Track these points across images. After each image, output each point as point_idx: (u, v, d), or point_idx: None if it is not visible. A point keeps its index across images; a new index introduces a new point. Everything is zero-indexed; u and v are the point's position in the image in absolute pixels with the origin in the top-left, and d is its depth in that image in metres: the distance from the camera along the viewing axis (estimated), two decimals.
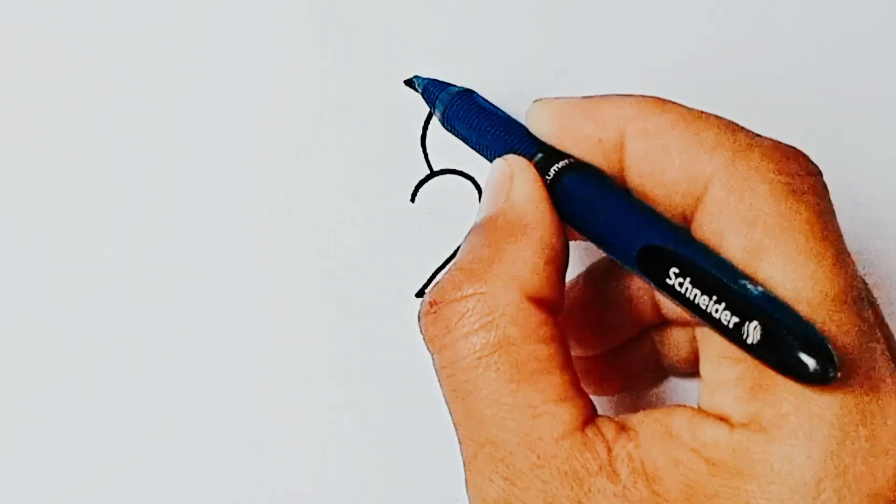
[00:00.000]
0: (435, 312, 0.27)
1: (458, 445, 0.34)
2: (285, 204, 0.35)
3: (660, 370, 0.34)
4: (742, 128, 0.26)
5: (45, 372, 0.34)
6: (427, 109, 0.35)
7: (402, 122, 0.35)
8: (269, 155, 0.35)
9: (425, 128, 0.35)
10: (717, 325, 0.24)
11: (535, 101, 0.29)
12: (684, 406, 0.26)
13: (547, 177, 0.28)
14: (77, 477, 0.34)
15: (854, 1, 0.36)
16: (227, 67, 0.35)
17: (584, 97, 0.29)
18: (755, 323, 0.23)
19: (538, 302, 0.27)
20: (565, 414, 0.26)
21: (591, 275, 0.33)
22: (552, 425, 0.25)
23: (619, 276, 0.32)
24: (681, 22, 0.36)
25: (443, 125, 0.33)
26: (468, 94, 0.33)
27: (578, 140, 0.28)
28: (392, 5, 0.35)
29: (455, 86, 0.33)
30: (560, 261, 0.27)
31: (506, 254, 0.27)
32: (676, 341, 0.32)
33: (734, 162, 0.25)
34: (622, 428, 0.26)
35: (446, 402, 0.27)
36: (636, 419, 0.26)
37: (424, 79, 0.34)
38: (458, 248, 0.35)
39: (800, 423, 0.23)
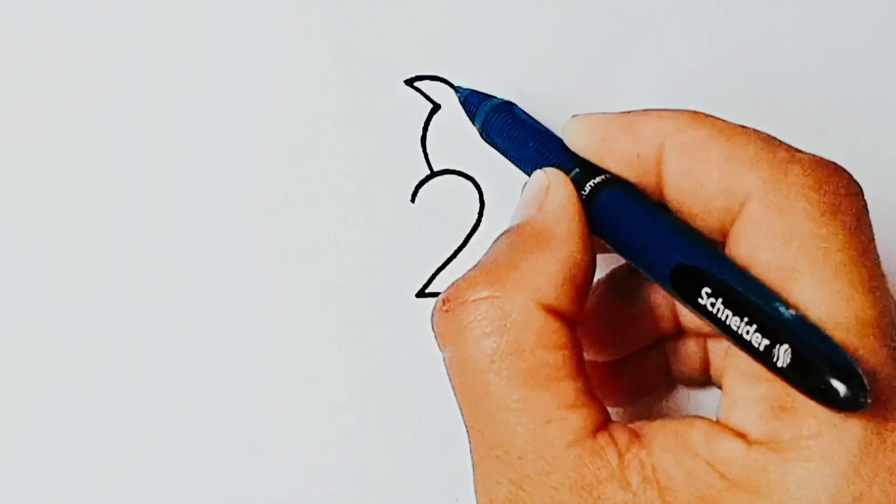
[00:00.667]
0: (447, 311, 0.27)
1: (457, 445, 0.34)
2: (285, 204, 0.35)
3: (668, 381, 0.34)
4: (782, 143, 0.26)
5: (44, 372, 0.34)
6: (428, 109, 0.35)
7: (402, 122, 0.35)
8: (270, 155, 0.35)
9: (425, 128, 0.35)
10: (747, 346, 0.24)
11: (573, 116, 0.29)
12: (702, 418, 0.26)
13: (583, 192, 0.28)
14: (76, 476, 0.34)
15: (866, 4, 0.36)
16: (227, 67, 0.35)
17: (621, 112, 0.29)
18: (786, 346, 0.23)
19: (553, 312, 0.26)
20: (576, 420, 0.25)
21: (611, 281, 0.32)
22: (562, 432, 0.25)
23: (639, 285, 0.32)
24: (691, 27, 0.36)
25: (481, 136, 0.33)
26: (508, 106, 0.33)
27: (616, 155, 0.28)
28: (392, 5, 0.35)
29: (496, 97, 0.33)
30: (582, 276, 0.27)
31: (527, 262, 0.27)
32: (690, 352, 0.32)
33: (773, 178, 0.25)
34: (636, 435, 0.26)
35: (456, 400, 0.27)
36: (651, 428, 0.26)
37: (465, 89, 0.34)
38: (459, 248, 0.35)
39: (819, 446, 0.23)
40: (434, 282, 0.35)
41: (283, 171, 0.35)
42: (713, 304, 0.24)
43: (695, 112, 0.27)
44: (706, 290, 0.25)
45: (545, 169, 0.29)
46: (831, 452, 0.23)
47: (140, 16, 0.35)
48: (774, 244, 0.25)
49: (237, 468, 0.34)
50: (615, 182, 0.28)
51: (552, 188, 0.28)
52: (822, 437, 0.23)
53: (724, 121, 0.27)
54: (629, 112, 0.28)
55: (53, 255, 0.35)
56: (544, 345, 0.26)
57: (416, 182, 0.35)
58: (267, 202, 0.35)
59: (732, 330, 0.24)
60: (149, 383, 0.34)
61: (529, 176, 0.30)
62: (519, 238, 0.28)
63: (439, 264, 0.35)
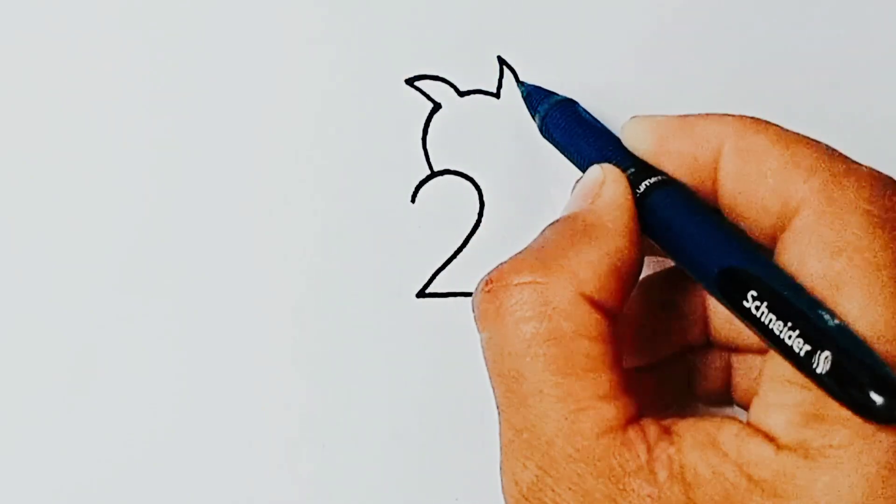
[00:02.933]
0: (489, 291, 0.27)
1: (458, 445, 0.35)
2: (285, 204, 0.35)
3: (687, 396, 0.34)
4: (839, 153, 0.26)
5: (42, 372, 0.34)
6: (428, 109, 0.35)
7: (402, 122, 0.35)
8: (270, 155, 0.35)
9: (426, 128, 0.35)
10: (787, 351, 0.24)
11: (632, 117, 0.30)
12: (733, 419, 0.26)
13: (637, 190, 0.29)
14: (76, 476, 0.34)
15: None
16: (227, 67, 0.35)
17: (680, 115, 0.29)
18: (827, 353, 0.23)
19: (595, 304, 0.27)
20: (608, 411, 0.26)
21: (645, 286, 0.32)
22: (594, 421, 0.25)
23: (672, 293, 0.32)
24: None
25: (540, 132, 0.33)
26: (569, 104, 0.33)
27: (673, 157, 0.28)
28: (393, 4, 0.35)
29: (557, 94, 0.34)
30: (628, 272, 0.27)
31: (574, 252, 0.27)
32: (714, 368, 0.32)
33: (827, 187, 0.25)
34: (666, 431, 0.26)
35: (490, 381, 0.28)
36: (682, 425, 0.26)
37: (529, 85, 0.34)
38: (459, 248, 0.35)
39: (849, 456, 0.24)
40: (434, 282, 0.35)
41: (283, 170, 0.35)
42: (758, 308, 0.25)
43: (754, 118, 0.27)
44: (752, 293, 0.25)
45: (602, 165, 0.29)
46: (860, 463, 0.23)
47: (141, 16, 0.35)
48: (824, 254, 0.25)
49: (237, 468, 0.34)
50: (670, 183, 0.28)
51: (607, 183, 0.29)
52: (853, 447, 0.23)
53: (782, 128, 0.27)
54: (688, 115, 0.29)
55: (54, 256, 0.34)
56: (583, 334, 0.26)
57: (417, 182, 0.35)
58: (267, 202, 0.35)
59: (774, 334, 0.24)
60: (149, 383, 0.34)
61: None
62: (568, 228, 0.28)
63: (439, 264, 0.35)
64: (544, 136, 0.33)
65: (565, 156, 0.32)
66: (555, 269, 0.27)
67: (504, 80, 0.35)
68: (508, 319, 0.26)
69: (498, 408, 0.27)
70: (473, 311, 0.28)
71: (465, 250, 0.35)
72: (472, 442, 0.34)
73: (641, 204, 0.28)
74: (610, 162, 0.30)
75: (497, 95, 0.35)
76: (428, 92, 0.35)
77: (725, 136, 0.27)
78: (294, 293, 0.35)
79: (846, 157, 0.26)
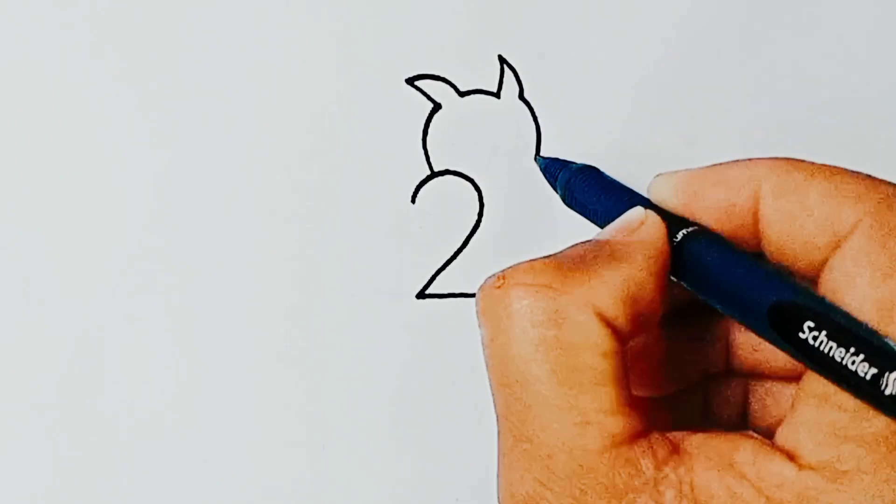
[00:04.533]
0: (500, 287, 0.26)
1: (458, 445, 0.35)
2: (286, 204, 0.35)
3: (701, 421, 0.33)
4: (882, 179, 0.26)
5: (41, 371, 0.34)
6: (429, 109, 0.35)
7: (402, 121, 0.35)
8: (270, 154, 0.35)
9: (426, 128, 0.35)
10: (850, 378, 0.24)
11: (658, 175, 0.30)
12: (749, 436, 0.26)
13: (674, 239, 0.28)
14: (75, 476, 0.34)
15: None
16: (227, 67, 0.35)
17: (707, 166, 0.29)
18: (895, 375, 0.23)
19: (607, 322, 0.26)
20: (614, 426, 0.25)
21: (665, 322, 0.32)
22: (598, 436, 0.25)
23: (691, 324, 0.31)
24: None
25: (564, 201, 0.33)
26: (590, 169, 0.33)
27: (709, 207, 0.28)
28: (393, 3, 0.35)
29: (576, 163, 0.34)
30: (645, 306, 0.27)
31: (596, 269, 0.26)
32: (732, 395, 0.32)
33: (878, 211, 0.25)
34: (675, 449, 0.25)
35: (491, 384, 0.27)
36: (693, 443, 0.25)
37: (546, 158, 0.35)
38: (459, 249, 0.35)
39: (877, 479, 0.23)
40: (434, 283, 0.35)
41: (283, 170, 0.35)
42: (815, 338, 0.25)
43: (785, 158, 0.27)
44: (808, 324, 0.25)
45: (645, 209, 0.29)
46: (890, 487, 0.23)
47: (141, 15, 0.35)
48: (874, 278, 0.24)
49: (236, 468, 0.34)
50: (707, 233, 0.28)
51: (647, 223, 0.28)
52: (880, 471, 0.23)
53: (816, 163, 0.27)
54: (716, 165, 0.28)
55: (53, 256, 0.34)
56: (592, 348, 0.25)
57: (417, 182, 0.35)
58: (267, 202, 0.35)
59: (836, 362, 0.24)
60: (148, 383, 0.34)
61: None
62: (595, 249, 0.28)
63: (439, 265, 0.35)
64: (568, 204, 0.33)
65: (592, 221, 0.32)
66: (574, 280, 0.26)
67: (505, 80, 0.35)
68: (518, 320, 0.26)
69: (497, 413, 0.27)
70: (478, 306, 0.27)
71: (465, 251, 0.35)
72: (472, 442, 0.34)
73: (678, 251, 0.28)
74: None
75: (498, 95, 0.35)
76: (428, 92, 0.35)
77: (761, 178, 0.27)
78: (294, 293, 0.35)
79: (889, 182, 0.26)
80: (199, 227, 0.35)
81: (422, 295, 0.35)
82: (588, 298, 0.26)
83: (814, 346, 0.25)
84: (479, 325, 0.27)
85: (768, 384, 0.31)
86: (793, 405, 0.26)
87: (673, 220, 0.29)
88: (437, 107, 0.35)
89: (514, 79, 0.35)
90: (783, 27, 0.36)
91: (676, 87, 0.35)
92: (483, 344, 0.27)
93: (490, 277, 0.27)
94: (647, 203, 0.30)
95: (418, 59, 0.35)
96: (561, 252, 0.28)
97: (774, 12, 0.36)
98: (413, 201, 0.35)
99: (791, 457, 0.25)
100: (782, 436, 0.25)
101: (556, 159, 0.34)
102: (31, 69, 0.35)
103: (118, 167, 0.35)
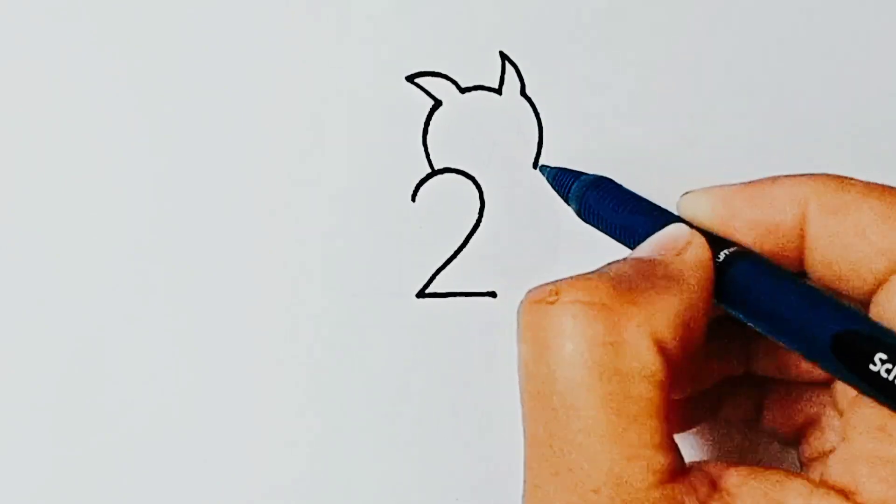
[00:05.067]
0: (552, 303, 0.24)
1: (458, 445, 0.35)
2: (286, 203, 0.35)
3: (713, 418, 0.33)
4: None
5: (43, 371, 0.34)
6: (429, 107, 0.35)
7: (402, 120, 0.35)
8: (270, 154, 0.35)
9: (426, 126, 0.35)
10: None
11: (687, 192, 0.28)
12: (796, 475, 0.24)
13: (716, 259, 0.27)
14: (75, 475, 0.34)
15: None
16: (227, 66, 0.35)
17: (744, 183, 0.27)
18: None
19: (662, 350, 0.25)
20: (660, 462, 0.24)
21: None
22: (645, 471, 0.23)
23: (713, 327, 0.31)
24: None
25: (579, 215, 0.32)
26: (606, 181, 0.32)
27: (749, 227, 0.27)
28: (393, 3, 0.35)
29: (586, 173, 0.32)
30: (697, 333, 0.26)
31: (652, 294, 0.25)
32: (747, 397, 0.32)
33: None
34: (715, 487, 0.24)
35: (523, 406, 0.25)
36: (733, 481, 0.24)
37: (553, 168, 0.33)
38: (459, 248, 0.35)
39: None
40: (434, 282, 0.35)
41: (283, 169, 0.35)
42: (889, 371, 0.24)
43: (832, 175, 0.26)
44: (880, 356, 0.24)
45: (684, 226, 0.28)
46: None
47: (142, 14, 0.35)
48: None
49: (235, 468, 0.34)
50: (748, 254, 0.27)
51: (694, 243, 0.27)
52: None
53: (867, 181, 0.26)
54: (754, 182, 0.27)
55: (54, 255, 0.34)
56: (647, 377, 0.24)
57: (417, 181, 0.35)
58: (268, 201, 0.35)
59: None
60: (148, 383, 0.34)
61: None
62: (647, 269, 0.26)
63: (440, 264, 0.35)
64: (584, 218, 0.32)
65: (612, 236, 0.31)
66: (632, 302, 0.24)
67: (506, 77, 0.35)
68: (569, 339, 0.24)
69: (531, 438, 0.24)
70: (521, 318, 0.25)
71: (465, 250, 0.35)
72: (472, 442, 0.34)
73: (721, 274, 0.27)
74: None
75: (499, 92, 0.35)
76: (429, 88, 0.35)
77: (808, 196, 0.26)
78: (294, 292, 0.35)
79: None
80: (199, 225, 0.34)
81: (422, 294, 0.35)
82: (647, 324, 0.24)
83: (886, 378, 0.23)
84: (520, 340, 0.25)
85: (787, 387, 0.31)
86: (845, 437, 0.25)
87: (711, 239, 0.27)
88: (437, 104, 0.35)
89: (515, 75, 0.35)
90: (784, 27, 0.35)
91: (677, 86, 0.35)
92: (522, 361, 0.25)
93: (537, 289, 0.25)
94: (677, 219, 0.29)
95: (419, 56, 0.35)
96: (607, 269, 0.26)
97: (775, 12, 0.35)
98: (413, 200, 0.35)
99: (847, 494, 0.23)
100: (835, 471, 0.24)
101: (564, 169, 0.33)
102: (32, 69, 0.34)
103: (117, 166, 0.34)
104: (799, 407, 0.30)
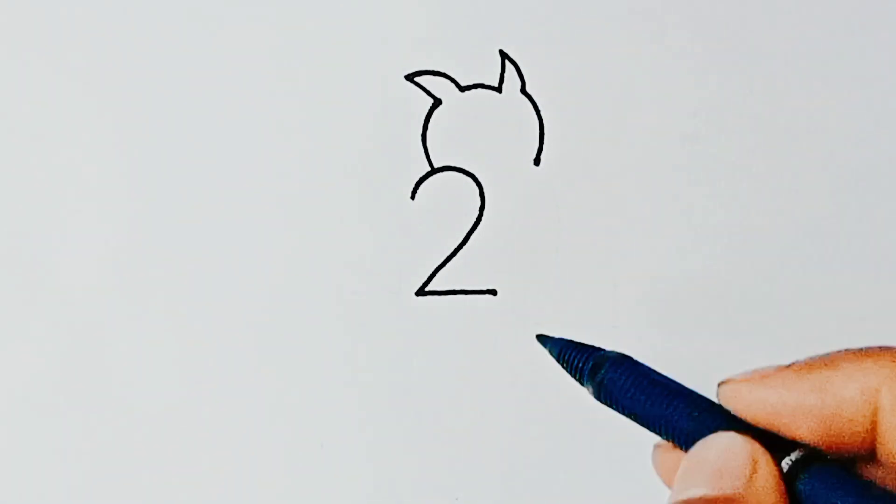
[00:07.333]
0: None
1: (457, 445, 0.34)
2: (286, 202, 0.35)
3: None
4: None
5: (43, 371, 0.34)
6: (428, 106, 0.35)
7: (402, 119, 0.35)
8: (269, 152, 0.35)
9: (426, 124, 0.35)
10: None
11: (728, 380, 0.25)
12: None
13: (780, 468, 0.24)
14: (75, 475, 0.34)
15: None
16: (227, 65, 0.35)
17: (796, 366, 0.24)
18: None
19: None
20: None
21: None
22: None
23: None
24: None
25: (596, 397, 0.28)
26: (627, 360, 0.28)
27: (805, 419, 0.24)
28: (393, 3, 0.35)
29: (600, 348, 0.28)
30: None
31: None
32: None
33: None
34: None
35: None
36: None
37: (554, 340, 0.29)
38: (459, 246, 0.35)
39: None
40: (434, 280, 0.34)
41: (283, 168, 0.35)
42: None
43: None
44: None
45: (740, 435, 0.24)
46: None
47: (142, 13, 0.35)
48: None
49: (234, 467, 0.34)
50: (818, 457, 0.24)
51: (762, 469, 0.24)
52: None
53: None
54: (808, 363, 0.24)
55: (53, 255, 0.35)
56: None
57: (417, 179, 0.35)
58: (267, 200, 0.35)
59: None
60: (147, 382, 0.34)
61: (676, 442, 0.26)
62: None
63: (439, 262, 0.34)
64: (601, 401, 0.28)
65: (640, 422, 0.27)
66: None
67: (506, 75, 0.35)
68: None
69: None
70: None
71: (465, 248, 0.35)
72: (472, 442, 0.34)
73: (789, 486, 0.24)
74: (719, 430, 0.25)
75: (499, 90, 0.35)
76: (428, 87, 0.35)
77: (879, 385, 0.23)
78: (293, 290, 0.34)
79: None
80: (197, 224, 0.35)
81: (422, 292, 0.34)
82: None
83: None
84: None
85: None
86: None
87: (764, 438, 0.24)
88: (437, 102, 0.35)
89: (515, 73, 0.35)
90: (785, 26, 0.35)
91: (677, 84, 0.35)
92: None
93: None
94: (717, 413, 0.25)
95: (419, 55, 0.35)
96: None
97: (776, 11, 0.35)
98: (413, 198, 0.35)
99: None
100: None
101: (572, 343, 0.29)
102: (34, 69, 0.35)
103: (117, 166, 0.35)
104: None
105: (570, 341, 0.28)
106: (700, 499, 0.23)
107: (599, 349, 0.28)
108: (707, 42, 0.35)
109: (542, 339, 0.29)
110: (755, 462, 0.23)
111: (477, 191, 0.35)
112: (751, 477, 0.23)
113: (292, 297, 0.34)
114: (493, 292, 0.34)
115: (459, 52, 0.35)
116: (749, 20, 0.35)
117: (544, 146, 0.35)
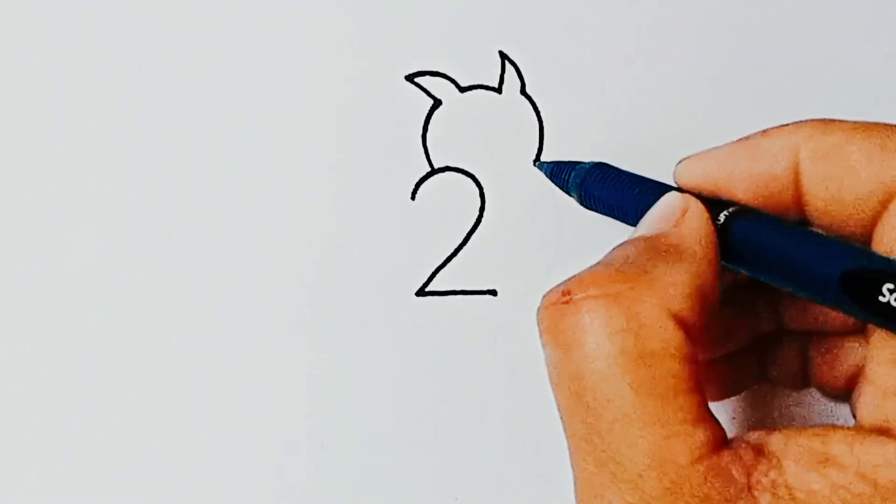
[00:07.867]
0: (567, 303, 0.25)
1: (457, 445, 0.34)
2: (285, 202, 0.35)
3: (760, 380, 0.33)
4: None
5: (43, 371, 0.34)
6: (428, 106, 0.35)
7: (402, 119, 0.35)
8: (269, 152, 0.35)
9: (426, 125, 0.35)
10: None
11: (683, 159, 0.29)
12: (836, 427, 0.24)
13: (717, 222, 0.27)
14: (74, 475, 0.34)
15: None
16: (227, 65, 0.35)
17: (734, 142, 0.28)
18: None
19: (681, 323, 0.25)
20: (701, 436, 0.24)
21: None
22: (687, 447, 0.23)
23: (738, 285, 0.31)
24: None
25: (581, 202, 0.32)
26: (602, 166, 0.32)
27: (746, 182, 0.27)
28: (393, 3, 0.35)
29: (583, 162, 0.33)
30: (710, 299, 0.26)
31: (660, 270, 0.25)
32: (789, 355, 0.31)
33: None
34: (760, 452, 0.24)
35: (559, 407, 0.25)
36: (775, 443, 0.24)
37: (549, 163, 0.34)
38: (459, 246, 0.35)
39: None
40: (434, 280, 0.34)
41: (282, 168, 0.35)
42: None
43: (819, 119, 0.26)
44: (888, 286, 0.24)
45: (682, 194, 0.28)
46: None
47: (143, 13, 0.35)
48: None
49: (235, 467, 0.34)
50: (748, 210, 0.27)
51: (691, 210, 0.27)
52: None
53: (851, 121, 0.26)
54: (745, 138, 0.28)
55: (54, 255, 0.35)
56: (671, 354, 0.24)
57: (417, 179, 0.35)
58: (267, 200, 0.35)
59: None
60: (147, 382, 0.34)
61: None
62: (651, 247, 0.26)
63: (439, 262, 0.35)
64: (586, 205, 0.32)
65: (618, 217, 0.31)
66: (642, 285, 0.24)
67: (506, 75, 0.35)
68: (590, 334, 0.24)
69: (572, 437, 0.25)
70: (541, 325, 0.25)
71: (465, 248, 0.35)
72: (472, 442, 0.34)
73: (724, 234, 0.27)
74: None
75: (499, 90, 0.35)
76: (428, 88, 0.35)
77: (797, 144, 0.26)
78: (293, 291, 0.35)
79: None
80: (198, 224, 0.35)
81: (421, 293, 0.34)
82: (662, 302, 0.24)
83: None
84: (544, 346, 0.25)
85: (827, 340, 0.30)
86: (867, 377, 0.25)
87: (709, 203, 0.28)
88: (437, 103, 0.35)
89: (515, 74, 0.35)
90: (785, 26, 0.35)
91: (677, 83, 0.35)
92: (550, 364, 0.25)
93: (550, 293, 0.25)
94: (675, 189, 0.29)
95: (418, 55, 0.35)
96: (612, 256, 0.26)
97: (776, 11, 0.35)
98: (413, 198, 0.35)
99: (884, 432, 0.23)
100: (868, 414, 0.24)
101: (560, 162, 0.34)
102: (39, 69, 0.35)
103: (116, 166, 0.35)
104: (841, 358, 0.30)
105: (559, 161, 0.34)
106: (639, 238, 0.27)
107: (580, 162, 0.33)
108: (707, 42, 0.35)
109: (539, 164, 0.34)
110: (686, 210, 0.27)
111: (477, 191, 0.35)
112: (681, 218, 0.27)
113: (292, 297, 0.35)
114: (493, 292, 0.34)
115: (459, 53, 0.35)
116: (750, 20, 0.35)
117: (544, 146, 0.35)
